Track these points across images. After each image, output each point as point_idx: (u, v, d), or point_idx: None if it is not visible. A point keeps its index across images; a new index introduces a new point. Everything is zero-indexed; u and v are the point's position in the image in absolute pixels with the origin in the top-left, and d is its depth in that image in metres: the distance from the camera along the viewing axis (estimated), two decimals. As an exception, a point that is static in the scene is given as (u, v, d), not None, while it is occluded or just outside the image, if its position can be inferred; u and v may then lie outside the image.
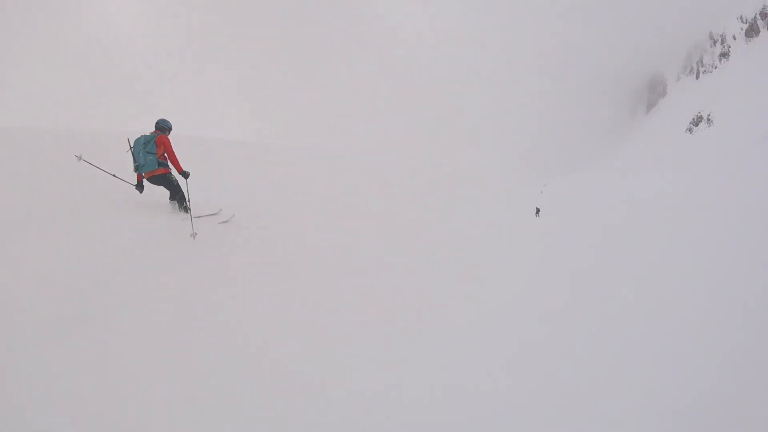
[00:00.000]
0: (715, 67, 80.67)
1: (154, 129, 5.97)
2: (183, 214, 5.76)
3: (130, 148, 5.73)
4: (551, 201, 19.91)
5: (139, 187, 5.83)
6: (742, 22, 79.72)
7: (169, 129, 6.04)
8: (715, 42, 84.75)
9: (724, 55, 79.86)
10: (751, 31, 76.25)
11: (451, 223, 11.27)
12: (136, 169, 5.67)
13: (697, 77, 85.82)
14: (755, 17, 76.77)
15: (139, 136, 5.77)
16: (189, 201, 5.77)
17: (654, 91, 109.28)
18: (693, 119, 67.52)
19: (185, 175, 5.76)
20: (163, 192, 6.25)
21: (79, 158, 5.31)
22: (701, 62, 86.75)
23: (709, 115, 64.06)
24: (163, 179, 5.83)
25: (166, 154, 5.77)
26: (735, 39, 79.62)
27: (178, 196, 5.93)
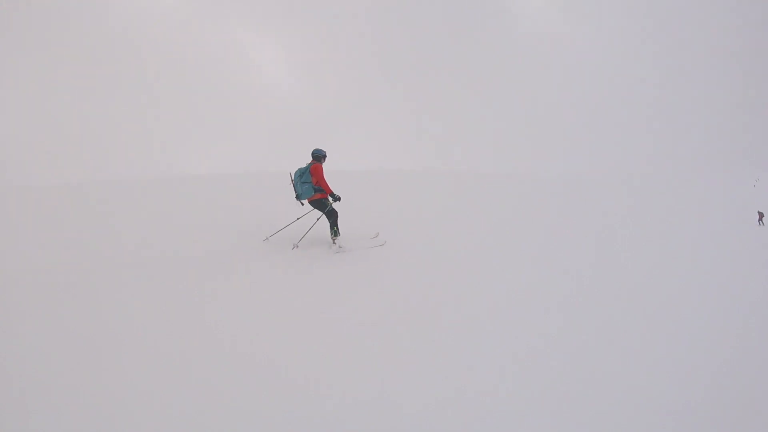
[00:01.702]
0: None
1: (311, 159, 6.59)
2: (335, 242, 6.58)
3: (292, 180, 6.55)
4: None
5: (299, 200, 6.63)
6: None
7: (324, 157, 6.60)
8: None
9: None
10: None
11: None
12: (297, 197, 6.54)
13: None
14: None
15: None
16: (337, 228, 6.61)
17: None
18: None
19: (334, 197, 6.54)
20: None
21: (267, 239, 6.97)
22: None
23: None
24: (319, 203, 6.56)
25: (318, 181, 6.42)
26: None
27: (331, 220, 6.59)
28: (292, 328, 3.87)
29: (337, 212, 6.62)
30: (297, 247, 6.54)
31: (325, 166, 6.85)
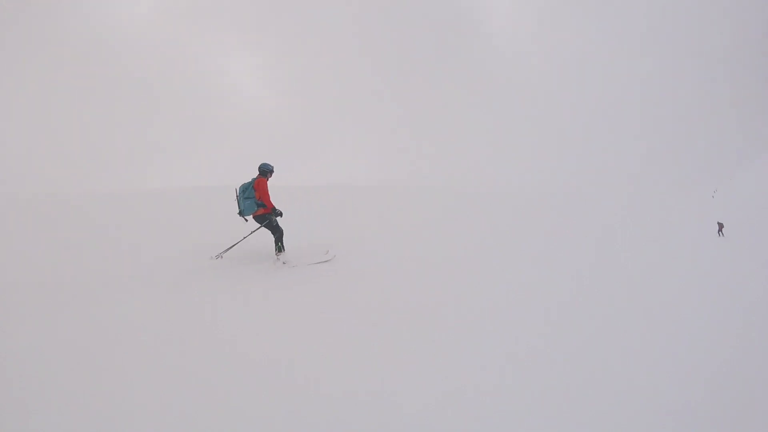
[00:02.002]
0: None
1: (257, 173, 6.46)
2: (279, 257, 6.35)
3: (237, 196, 6.41)
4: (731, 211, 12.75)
5: (242, 216, 6.45)
6: None
7: (270, 171, 6.47)
8: None
9: None
10: None
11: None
12: (240, 213, 6.37)
13: None
14: None
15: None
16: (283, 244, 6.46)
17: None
18: None
19: (275, 212, 6.37)
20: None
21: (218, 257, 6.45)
22: None
23: None
24: (262, 218, 6.41)
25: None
26: None
27: (276, 236, 6.44)
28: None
29: (282, 229, 6.48)
30: (221, 257, 6.40)
31: (273, 180, 6.69)
